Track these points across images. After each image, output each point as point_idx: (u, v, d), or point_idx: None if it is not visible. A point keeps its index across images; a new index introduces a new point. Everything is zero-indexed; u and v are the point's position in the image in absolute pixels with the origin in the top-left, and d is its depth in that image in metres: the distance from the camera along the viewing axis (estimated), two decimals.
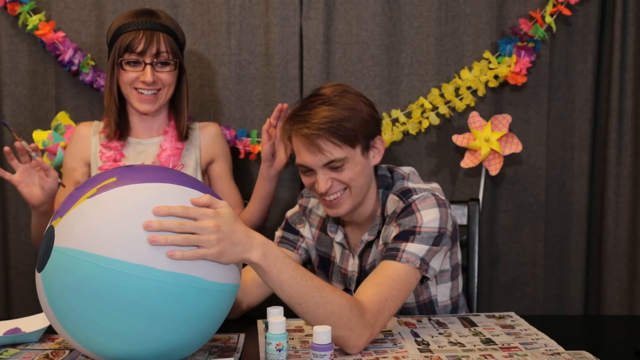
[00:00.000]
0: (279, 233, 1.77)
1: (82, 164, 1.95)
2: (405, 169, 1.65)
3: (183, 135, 1.93)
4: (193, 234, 1.17)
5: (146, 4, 2.22)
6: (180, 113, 1.94)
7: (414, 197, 1.53)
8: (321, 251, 1.73)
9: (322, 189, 1.53)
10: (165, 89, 1.87)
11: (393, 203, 1.58)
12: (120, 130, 1.92)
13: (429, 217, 1.50)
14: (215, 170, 2.00)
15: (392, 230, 1.53)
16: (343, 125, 1.49)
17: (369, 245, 1.63)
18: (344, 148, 1.50)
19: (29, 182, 1.66)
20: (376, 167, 1.64)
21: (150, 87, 1.84)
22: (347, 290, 1.67)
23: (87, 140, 1.95)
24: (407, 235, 1.48)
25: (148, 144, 1.94)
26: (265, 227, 2.05)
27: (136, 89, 1.85)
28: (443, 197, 1.55)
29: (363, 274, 1.64)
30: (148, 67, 1.82)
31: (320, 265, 1.74)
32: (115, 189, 1.18)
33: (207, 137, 1.99)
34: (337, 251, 1.70)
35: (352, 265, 1.65)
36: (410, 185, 1.58)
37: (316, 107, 1.50)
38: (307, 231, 1.75)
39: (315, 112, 1.49)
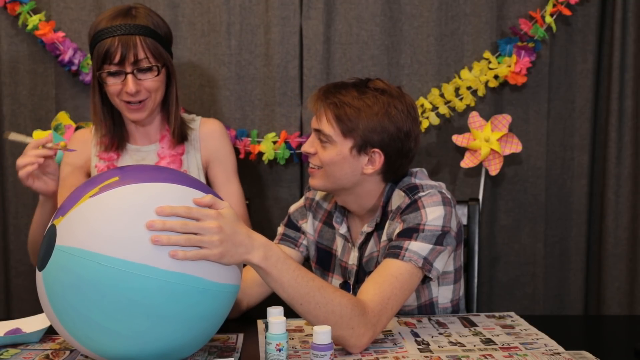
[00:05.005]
0: (281, 229, 1.77)
1: (81, 171, 1.89)
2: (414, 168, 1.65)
3: (177, 139, 1.84)
4: (196, 234, 1.17)
5: (146, 3, 2.21)
6: (170, 115, 1.83)
7: (421, 193, 1.53)
8: (322, 244, 1.72)
9: (304, 149, 1.60)
10: (152, 96, 1.76)
11: (399, 198, 1.57)
12: (117, 140, 1.84)
13: (433, 214, 1.49)
14: (216, 171, 1.90)
15: (397, 226, 1.52)
16: (346, 112, 1.51)
17: (368, 237, 1.63)
18: (336, 130, 1.53)
19: (39, 174, 1.68)
20: None
21: (135, 96, 1.73)
22: (345, 282, 1.67)
23: (88, 145, 1.89)
24: (410, 232, 1.48)
25: (147, 151, 1.86)
26: (270, 226, 2.04)
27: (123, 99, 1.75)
28: (449, 196, 1.55)
29: (361, 266, 1.64)
30: (129, 77, 1.70)
31: (319, 260, 1.74)
32: (117, 188, 1.19)
33: (205, 136, 1.89)
34: (339, 244, 1.69)
35: (353, 258, 1.65)
36: (418, 182, 1.58)
37: (349, 87, 1.55)
38: (310, 225, 1.74)
39: (344, 90, 1.55)
